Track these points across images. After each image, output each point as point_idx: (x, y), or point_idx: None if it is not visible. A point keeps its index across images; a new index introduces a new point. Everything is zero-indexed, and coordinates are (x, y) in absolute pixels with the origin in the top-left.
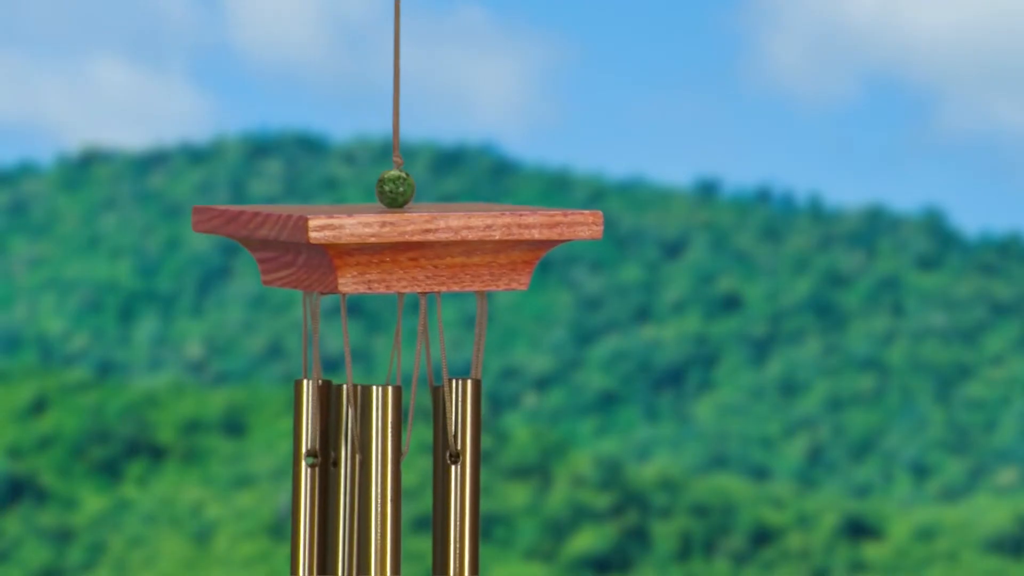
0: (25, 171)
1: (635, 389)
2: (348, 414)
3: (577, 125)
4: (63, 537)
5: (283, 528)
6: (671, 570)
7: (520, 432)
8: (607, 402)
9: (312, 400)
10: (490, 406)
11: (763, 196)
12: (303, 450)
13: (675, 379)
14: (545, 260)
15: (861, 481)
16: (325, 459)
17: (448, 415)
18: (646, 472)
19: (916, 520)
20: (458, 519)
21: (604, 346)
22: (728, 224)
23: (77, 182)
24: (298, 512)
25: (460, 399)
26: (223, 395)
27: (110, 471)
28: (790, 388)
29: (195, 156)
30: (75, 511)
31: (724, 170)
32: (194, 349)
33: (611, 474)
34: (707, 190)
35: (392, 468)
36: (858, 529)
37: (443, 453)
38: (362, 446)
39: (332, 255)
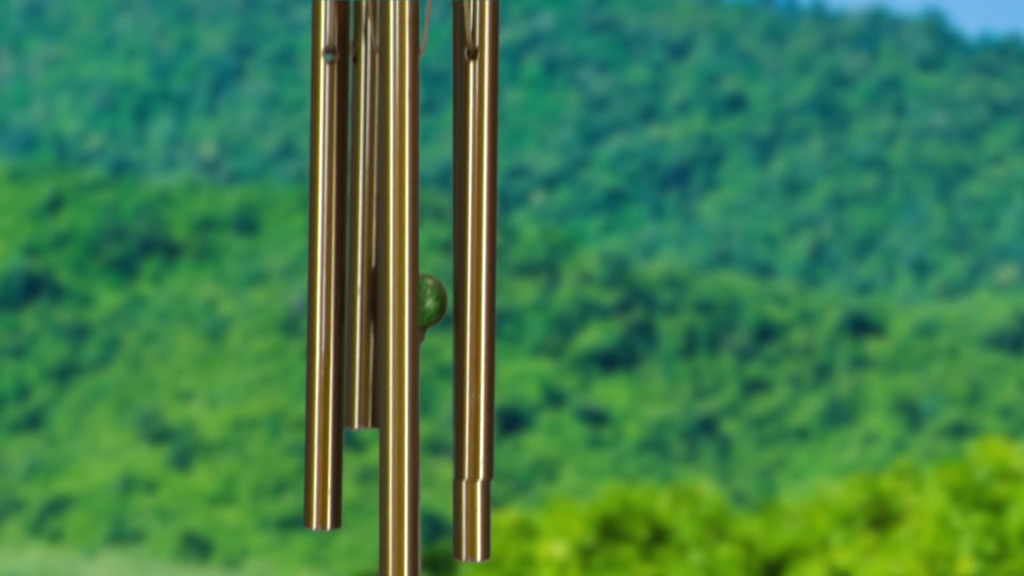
0: None
1: (641, 188)
2: (366, 9)
3: None
4: (79, 333)
5: (295, 324)
6: (676, 365)
7: (528, 230)
8: (614, 200)
9: None
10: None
11: None
12: (321, 47)
13: (681, 178)
14: (552, 60)
15: (863, 278)
16: (344, 55)
17: (466, 10)
18: (652, 269)
19: (917, 316)
20: (476, 117)
21: (611, 145)
22: (733, 26)
23: None
24: (317, 110)
25: None
26: (236, 194)
27: (125, 268)
28: (793, 187)
29: None
30: (90, 308)
31: None
32: (208, 148)
33: (617, 271)
34: None
35: (410, 64)
36: (860, 325)
37: (461, 50)
38: (381, 42)
39: None
